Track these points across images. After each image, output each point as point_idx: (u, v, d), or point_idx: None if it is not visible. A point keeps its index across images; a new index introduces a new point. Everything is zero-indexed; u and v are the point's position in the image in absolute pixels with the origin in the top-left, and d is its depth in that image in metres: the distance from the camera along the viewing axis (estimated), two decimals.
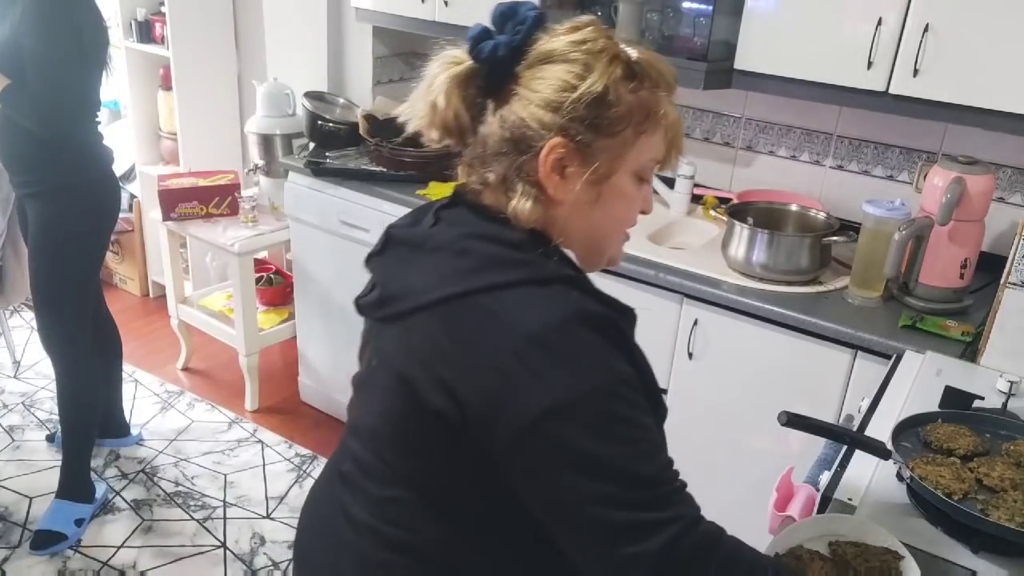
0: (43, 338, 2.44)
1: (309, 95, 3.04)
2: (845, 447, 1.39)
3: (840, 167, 2.44)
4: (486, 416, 0.87)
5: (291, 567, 2.41)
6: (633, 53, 0.95)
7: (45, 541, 2.41)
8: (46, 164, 2.26)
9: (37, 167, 2.27)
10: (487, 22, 0.95)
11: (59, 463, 2.53)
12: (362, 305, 1.04)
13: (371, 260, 1.06)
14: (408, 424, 0.95)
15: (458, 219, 0.99)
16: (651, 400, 0.93)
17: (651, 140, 0.96)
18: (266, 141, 3.20)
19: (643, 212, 1.02)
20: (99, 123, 2.39)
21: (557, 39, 0.93)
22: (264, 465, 2.87)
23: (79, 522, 2.48)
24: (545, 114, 0.91)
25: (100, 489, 2.60)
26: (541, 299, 0.89)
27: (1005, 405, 1.52)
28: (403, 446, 0.97)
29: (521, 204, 0.94)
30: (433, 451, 0.94)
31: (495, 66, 0.93)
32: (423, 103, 0.96)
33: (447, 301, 0.90)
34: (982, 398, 1.48)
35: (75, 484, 2.52)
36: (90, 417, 2.51)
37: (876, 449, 1.24)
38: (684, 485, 0.88)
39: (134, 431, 2.93)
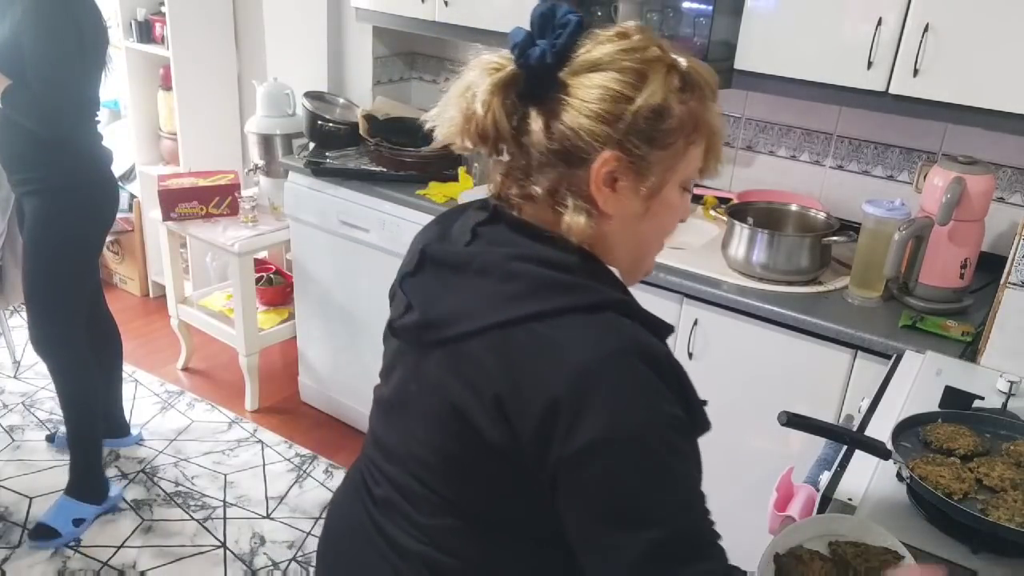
0: (33, 339, 2.42)
1: (309, 95, 3.04)
2: (845, 447, 1.39)
3: (840, 167, 2.44)
4: (539, 445, 0.85)
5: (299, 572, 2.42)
6: (683, 62, 0.91)
7: (40, 534, 2.43)
8: (46, 164, 2.26)
9: (37, 167, 2.27)
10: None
11: (59, 463, 2.53)
12: (397, 328, 0.99)
13: (405, 280, 1.00)
14: (462, 454, 0.92)
15: (501, 238, 0.94)
16: (694, 413, 0.90)
17: (698, 150, 0.94)
18: (266, 141, 3.20)
19: (681, 220, 1.00)
20: (99, 123, 2.39)
21: (603, 46, 0.89)
22: (264, 465, 2.87)
23: (77, 522, 2.48)
24: (597, 126, 0.87)
25: (115, 491, 2.60)
26: (595, 328, 0.86)
27: (1005, 405, 1.52)
28: (457, 476, 0.94)
29: (575, 219, 0.90)
30: (489, 480, 0.92)
31: (539, 72, 0.89)
32: (456, 110, 0.91)
33: (498, 328, 0.87)
34: (982, 398, 1.48)
35: (82, 483, 2.52)
36: (90, 417, 2.51)
37: (876, 449, 1.24)
38: (718, 537, 0.86)
39: (134, 431, 2.93)
